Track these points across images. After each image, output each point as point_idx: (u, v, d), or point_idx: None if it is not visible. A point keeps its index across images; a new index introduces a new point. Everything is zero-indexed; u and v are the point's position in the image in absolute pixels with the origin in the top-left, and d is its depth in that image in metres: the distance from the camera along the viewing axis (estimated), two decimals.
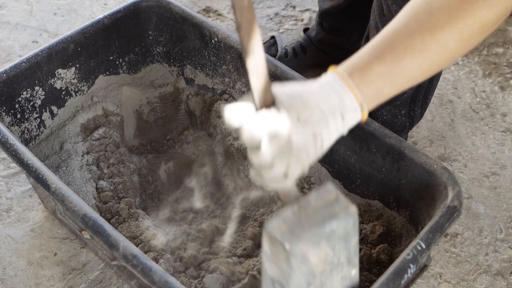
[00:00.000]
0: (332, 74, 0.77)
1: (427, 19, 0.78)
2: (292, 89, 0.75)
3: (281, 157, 0.73)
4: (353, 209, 0.84)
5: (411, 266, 0.95)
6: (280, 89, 0.75)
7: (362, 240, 1.23)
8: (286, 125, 0.71)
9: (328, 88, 0.75)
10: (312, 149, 0.75)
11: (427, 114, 1.70)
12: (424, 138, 1.65)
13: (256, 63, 0.72)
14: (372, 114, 1.47)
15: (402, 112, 1.44)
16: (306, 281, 0.84)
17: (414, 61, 0.78)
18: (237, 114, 0.71)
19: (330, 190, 0.85)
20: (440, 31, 0.78)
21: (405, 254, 0.96)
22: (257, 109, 0.73)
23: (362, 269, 1.17)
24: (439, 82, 1.79)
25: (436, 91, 1.77)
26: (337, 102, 0.75)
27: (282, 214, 0.82)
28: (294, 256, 0.80)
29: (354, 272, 0.91)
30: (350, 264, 0.89)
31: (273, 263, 0.84)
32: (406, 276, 0.95)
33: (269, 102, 0.74)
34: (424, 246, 0.97)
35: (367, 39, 1.45)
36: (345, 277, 0.90)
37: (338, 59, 1.89)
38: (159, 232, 1.23)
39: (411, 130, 1.53)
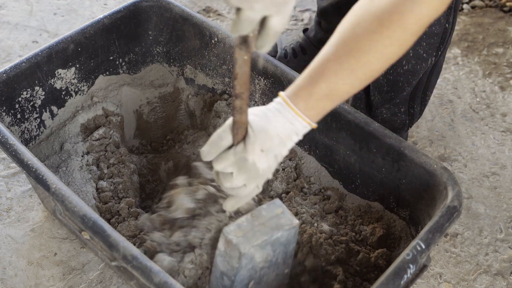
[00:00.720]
0: (283, 103, 0.94)
1: (353, 44, 0.90)
2: (256, 122, 0.93)
3: (252, 180, 0.94)
4: (296, 222, 1.05)
5: (411, 266, 0.95)
6: (249, 124, 0.93)
7: (362, 242, 1.23)
8: (251, 159, 0.92)
9: (281, 118, 0.93)
10: (274, 166, 0.96)
11: (427, 114, 1.70)
12: (424, 138, 1.65)
13: (242, 104, 0.89)
14: (372, 113, 1.48)
15: (402, 110, 1.44)
16: (249, 275, 1.05)
17: (345, 83, 0.92)
18: (211, 151, 0.93)
19: (279, 205, 1.06)
20: (364, 55, 0.90)
21: (405, 254, 0.96)
22: (234, 142, 0.93)
23: (356, 274, 1.17)
24: (440, 82, 1.79)
25: (436, 91, 1.77)
26: (291, 127, 0.94)
27: (238, 221, 1.03)
28: (245, 257, 1.01)
29: (287, 271, 1.13)
30: (285, 264, 1.10)
31: (225, 260, 1.04)
32: (405, 276, 0.95)
33: (245, 135, 0.92)
34: (423, 246, 0.97)
35: None
36: (279, 274, 1.11)
37: None
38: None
39: (411, 127, 1.53)
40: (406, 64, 1.32)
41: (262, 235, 1.02)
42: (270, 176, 0.96)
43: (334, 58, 0.91)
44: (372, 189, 1.27)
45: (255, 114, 0.95)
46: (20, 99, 1.30)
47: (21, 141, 1.31)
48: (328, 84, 0.91)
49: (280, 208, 1.06)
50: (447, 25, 1.28)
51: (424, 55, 1.31)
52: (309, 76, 0.93)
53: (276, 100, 0.96)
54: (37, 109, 1.34)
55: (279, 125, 0.93)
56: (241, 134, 0.92)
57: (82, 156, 1.36)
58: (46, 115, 1.36)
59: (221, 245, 1.04)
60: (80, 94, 1.42)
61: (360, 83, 0.93)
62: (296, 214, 1.27)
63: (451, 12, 1.27)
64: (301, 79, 0.94)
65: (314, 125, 0.95)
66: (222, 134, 0.94)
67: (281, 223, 1.03)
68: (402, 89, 1.39)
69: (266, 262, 1.06)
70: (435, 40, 1.29)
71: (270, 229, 1.02)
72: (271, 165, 0.95)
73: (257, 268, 1.05)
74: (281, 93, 0.95)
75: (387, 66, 0.94)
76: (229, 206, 1.00)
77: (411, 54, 1.30)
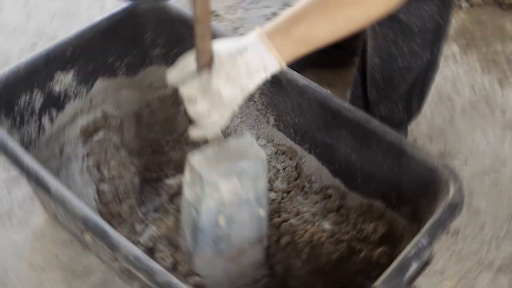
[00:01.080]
0: (258, 37, 0.93)
1: None
2: (225, 50, 0.93)
3: (216, 108, 0.94)
4: (263, 154, 1.04)
5: (413, 262, 0.95)
6: (216, 52, 0.93)
7: (363, 240, 1.23)
8: (215, 85, 0.91)
9: (253, 50, 0.93)
10: (240, 98, 0.95)
11: (427, 111, 1.70)
12: (424, 135, 1.65)
13: (204, 29, 0.88)
14: (370, 110, 1.47)
15: (400, 107, 1.44)
16: (217, 208, 1.03)
17: (324, 29, 0.93)
18: (177, 75, 0.95)
19: (248, 139, 1.06)
20: (350, 7, 0.91)
21: (407, 250, 0.96)
22: (198, 68, 0.93)
23: (358, 273, 1.16)
24: (438, 80, 1.79)
25: (435, 88, 1.77)
26: (260, 62, 0.93)
27: (204, 150, 1.03)
28: (207, 184, 0.99)
29: (262, 213, 1.10)
30: (258, 203, 1.08)
31: (191, 189, 1.03)
32: (408, 272, 0.95)
33: (209, 61, 0.92)
34: (426, 243, 0.97)
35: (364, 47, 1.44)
36: (253, 215, 1.09)
37: (337, 58, 1.89)
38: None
39: (409, 124, 1.53)
40: (402, 61, 1.32)
41: (226, 163, 1.01)
42: (235, 108, 0.96)
43: (318, 4, 0.92)
44: (373, 186, 1.27)
45: (225, 43, 0.95)
46: (19, 102, 1.30)
47: (21, 145, 1.31)
48: (307, 27, 0.92)
49: (249, 141, 1.05)
50: (441, 21, 1.28)
51: (419, 51, 1.31)
52: (289, 17, 0.94)
53: (251, 34, 0.95)
54: (36, 113, 1.34)
55: (249, 56, 0.93)
56: (205, 61, 0.91)
57: (82, 159, 1.36)
58: (45, 119, 1.36)
59: (186, 174, 1.04)
60: (79, 97, 1.41)
61: (339, 33, 0.94)
62: (297, 214, 1.27)
63: (445, 8, 1.27)
64: (281, 18, 0.94)
65: (284, 65, 0.95)
66: (189, 59, 0.94)
67: (247, 153, 1.03)
68: (399, 86, 1.39)
69: (235, 197, 1.04)
70: (429, 36, 1.29)
71: (235, 158, 1.02)
72: (237, 95, 0.94)
73: (225, 202, 1.04)
74: (258, 28, 0.95)
75: (369, 22, 0.95)
76: (195, 134, 1.00)
77: (405, 51, 1.30)
